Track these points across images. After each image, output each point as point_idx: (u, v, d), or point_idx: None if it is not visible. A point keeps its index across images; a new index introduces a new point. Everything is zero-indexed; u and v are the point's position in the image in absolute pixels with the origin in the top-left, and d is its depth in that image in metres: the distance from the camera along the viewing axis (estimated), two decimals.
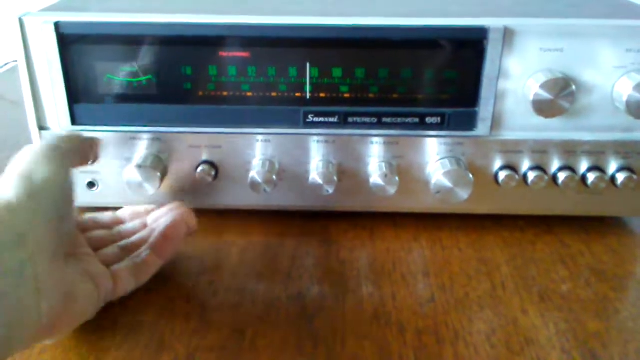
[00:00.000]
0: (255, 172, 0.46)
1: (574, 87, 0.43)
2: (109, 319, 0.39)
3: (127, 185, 0.46)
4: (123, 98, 0.46)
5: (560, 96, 0.43)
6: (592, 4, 0.52)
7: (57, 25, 0.43)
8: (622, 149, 0.46)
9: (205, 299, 0.41)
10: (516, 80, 0.44)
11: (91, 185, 0.48)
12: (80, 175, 0.48)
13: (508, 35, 0.43)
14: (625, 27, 0.43)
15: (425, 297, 0.42)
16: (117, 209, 0.47)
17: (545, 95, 0.43)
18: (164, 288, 0.42)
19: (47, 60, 0.44)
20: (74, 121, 0.46)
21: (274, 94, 0.46)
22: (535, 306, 0.41)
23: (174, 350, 0.37)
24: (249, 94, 0.46)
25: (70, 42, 0.44)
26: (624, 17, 0.46)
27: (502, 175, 0.47)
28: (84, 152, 0.43)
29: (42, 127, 0.46)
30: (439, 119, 0.46)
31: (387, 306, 0.41)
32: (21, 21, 0.43)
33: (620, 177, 0.46)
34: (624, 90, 0.43)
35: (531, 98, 0.43)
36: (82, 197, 0.48)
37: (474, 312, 0.40)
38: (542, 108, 0.43)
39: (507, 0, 0.53)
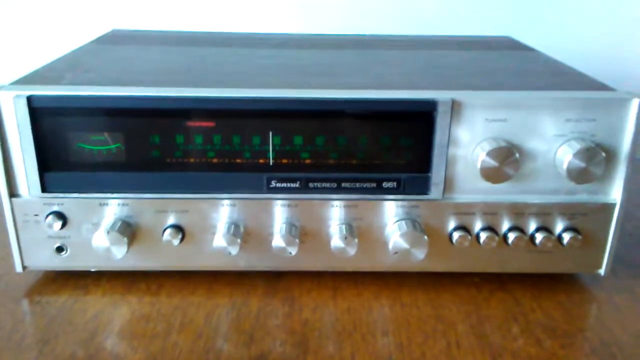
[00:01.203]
0: (221, 236, 0.48)
1: (517, 155, 0.46)
2: None
3: (95, 250, 0.47)
4: (92, 166, 0.47)
5: (505, 163, 0.46)
6: (537, 73, 0.56)
7: (29, 99, 0.45)
8: (567, 210, 0.49)
9: None
10: (465, 147, 0.47)
11: (60, 249, 0.49)
12: (49, 240, 0.49)
13: (455, 107, 0.46)
14: (563, 99, 0.46)
15: (383, 357, 0.43)
16: (84, 272, 0.49)
17: (491, 162, 0.46)
18: (129, 350, 0.43)
19: (18, 130, 0.46)
20: (44, 189, 0.47)
21: (238, 161, 0.48)
22: None
23: None
24: (215, 160, 0.48)
25: (42, 114, 0.46)
26: (564, 88, 0.49)
27: (456, 235, 0.49)
28: None
29: (12, 195, 0.48)
30: (395, 183, 0.48)
31: None
32: None
33: (566, 237, 0.49)
34: (564, 158, 0.46)
35: (479, 165, 0.46)
36: (51, 261, 0.50)
37: None
38: (489, 174, 0.46)
39: (456, 70, 0.57)
